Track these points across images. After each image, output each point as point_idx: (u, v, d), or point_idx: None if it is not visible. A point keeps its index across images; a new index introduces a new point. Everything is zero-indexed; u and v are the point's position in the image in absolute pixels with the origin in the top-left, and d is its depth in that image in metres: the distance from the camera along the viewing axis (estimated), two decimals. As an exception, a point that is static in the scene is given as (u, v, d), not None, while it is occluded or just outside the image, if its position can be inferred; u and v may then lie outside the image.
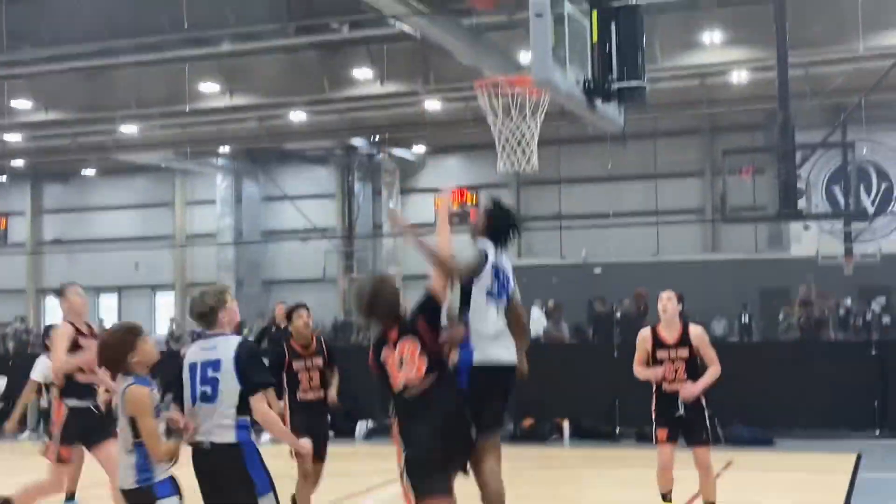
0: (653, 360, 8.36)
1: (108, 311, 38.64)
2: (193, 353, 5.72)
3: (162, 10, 21.07)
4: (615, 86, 7.57)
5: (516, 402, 14.27)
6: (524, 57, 21.04)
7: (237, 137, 29.99)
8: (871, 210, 26.12)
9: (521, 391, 14.94)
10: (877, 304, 24.43)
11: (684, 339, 8.28)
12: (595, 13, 7.35)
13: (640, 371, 8.43)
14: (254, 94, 25.86)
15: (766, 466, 12.12)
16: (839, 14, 20.22)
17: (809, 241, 25.32)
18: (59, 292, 8.56)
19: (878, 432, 13.60)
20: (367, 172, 36.10)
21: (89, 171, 37.99)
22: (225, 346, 5.61)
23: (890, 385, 13.66)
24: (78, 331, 8.26)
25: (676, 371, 8.23)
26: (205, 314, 5.75)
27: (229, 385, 5.52)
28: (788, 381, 13.96)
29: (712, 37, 21.82)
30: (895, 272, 26.00)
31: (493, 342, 6.02)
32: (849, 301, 24.89)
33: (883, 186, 28.55)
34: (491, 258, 6.11)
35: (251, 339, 18.23)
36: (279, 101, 26.28)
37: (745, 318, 24.56)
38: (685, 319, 8.64)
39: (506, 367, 6.10)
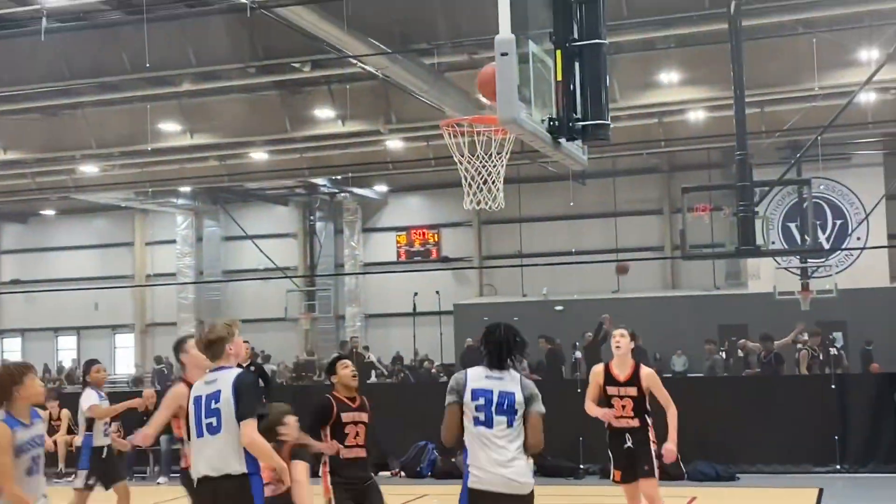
0: (603, 395, 8.46)
1: (67, 353, 38.25)
2: (198, 388, 5.84)
3: (123, 50, 21.05)
4: (579, 124, 7.55)
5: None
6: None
7: (198, 177, 29.85)
8: (826, 246, 26.48)
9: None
10: (834, 339, 24.67)
11: (634, 378, 8.42)
12: (559, 52, 7.42)
13: (591, 408, 8.52)
14: (215, 134, 25.80)
15: (730, 502, 12.16)
16: (794, 54, 20.58)
17: (767, 277, 25.60)
18: (178, 346, 7.56)
19: (839, 467, 13.66)
20: (328, 212, 36.10)
21: (49, 212, 37.71)
22: (225, 378, 5.73)
23: (850, 419, 13.76)
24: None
25: (624, 408, 8.35)
26: (213, 343, 5.84)
27: (230, 414, 5.64)
28: (750, 416, 14.03)
29: (670, 76, 22.11)
30: (851, 307, 26.36)
31: (483, 468, 5.90)
32: (806, 336, 25.12)
33: (838, 223, 29.00)
34: (470, 384, 5.94)
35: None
36: (240, 140, 26.26)
37: (722, 354, 24.68)
38: (637, 358, 8.79)
39: (493, 493, 5.90)
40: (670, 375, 25.90)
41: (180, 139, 25.79)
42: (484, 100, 20.86)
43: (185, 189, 33.39)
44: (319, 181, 32.55)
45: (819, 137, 19.08)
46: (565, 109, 7.50)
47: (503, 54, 6.80)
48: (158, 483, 14.90)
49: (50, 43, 18.63)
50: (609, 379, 8.43)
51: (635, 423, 8.33)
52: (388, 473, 14.65)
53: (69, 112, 25.34)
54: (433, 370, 27.05)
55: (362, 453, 7.92)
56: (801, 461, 13.81)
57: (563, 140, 7.65)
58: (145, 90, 23.15)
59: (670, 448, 8.22)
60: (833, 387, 14.04)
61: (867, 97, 22.04)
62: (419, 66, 19.42)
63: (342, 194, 34.59)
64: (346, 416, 7.82)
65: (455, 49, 19.96)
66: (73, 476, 15.40)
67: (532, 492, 5.97)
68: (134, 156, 27.01)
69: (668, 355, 28.27)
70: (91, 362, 10.50)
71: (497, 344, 6.07)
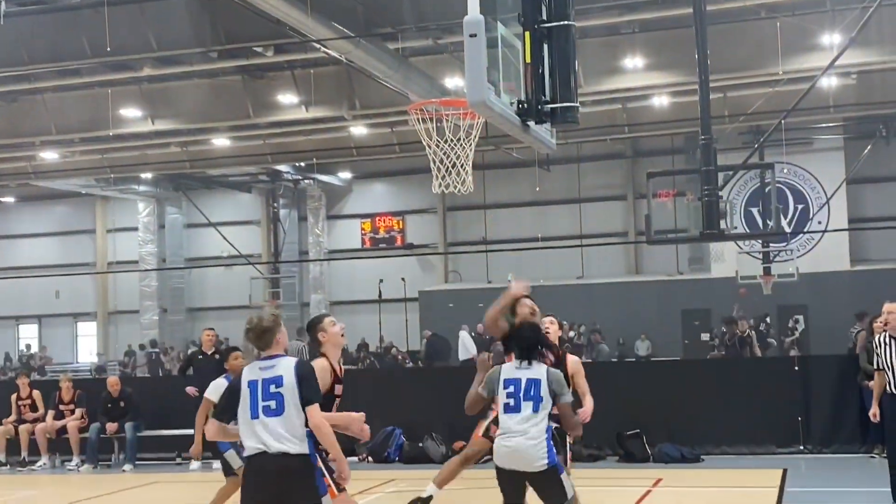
0: None
1: (29, 341, 37.82)
2: (252, 372, 6.05)
3: (83, 35, 20.79)
4: (548, 107, 7.52)
5: (447, 425, 14.28)
6: (450, 82, 21.18)
7: (159, 163, 29.60)
8: (788, 230, 26.69)
9: (452, 413, 14.82)
10: (795, 322, 24.96)
11: (560, 363, 8.37)
12: (528, 34, 7.38)
13: None
14: (176, 120, 25.55)
15: (696, 483, 12.13)
16: (759, 39, 20.67)
17: (729, 261, 25.78)
18: (314, 326, 7.15)
19: (802, 447, 13.70)
20: (292, 199, 35.93)
21: (8, 198, 37.27)
22: (285, 365, 6.02)
23: (813, 401, 13.82)
24: (332, 370, 7.03)
25: None
26: (263, 334, 6.09)
27: (294, 399, 5.94)
28: (715, 398, 14.06)
29: (634, 62, 22.12)
30: (812, 291, 26.59)
31: (502, 445, 6.53)
32: (768, 319, 25.37)
33: (799, 208, 29.25)
34: (503, 375, 6.63)
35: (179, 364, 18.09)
36: (202, 126, 26.03)
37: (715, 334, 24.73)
38: (564, 346, 8.75)
39: (507, 470, 6.53)
40: (634, 360, 26.08)
41: (141, 125, 25.50)
42: (448, 85, 20.79)
43: (147, 175, 33.10)
44: (283, 168, 32.37)
45: (782, 122, 19.13)
46: (534, 92, 7.50)
47: (472, 35, 6.76)
48: (123, 470, 14.76)
49: (9, 27, 18.36)
50: None
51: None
52: (355, 459, 14.61)
53: (28, 97, 25.00)
54: (399, 357, 27.03)
55: None
56: (766, 442, 13.79)
57: (531, 123, 7.68)
58: (106, 75, 22.88)
59: (586, 410, 8.00)
60: (796, 368, 14.09)
61: (829, 82, 22.21)
62: (383, 51, 19.32)
63: (306, 181, 34.43)
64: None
65: (419, 33, 19.89)
66: (81, 462, 15.17)
67: (548, 471, 6.52)
68: (95, 142, 26.71)
69: (631, 340, 28.45)
70: (232, 349, 10.40)
71: (524, 342, 6.70)
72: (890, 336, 9.34)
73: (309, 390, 6.01)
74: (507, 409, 6.53)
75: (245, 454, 5.98)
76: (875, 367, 9.60)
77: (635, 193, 31.79)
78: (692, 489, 11.74)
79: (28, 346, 35.78)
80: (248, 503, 5.94)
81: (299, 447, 5.90)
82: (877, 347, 9.48)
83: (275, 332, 6.10)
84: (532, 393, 6.54)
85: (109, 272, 36.74)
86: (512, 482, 6.54)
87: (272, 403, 5.92)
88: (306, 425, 5.97)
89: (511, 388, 6.55)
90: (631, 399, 13.82)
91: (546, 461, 6.49)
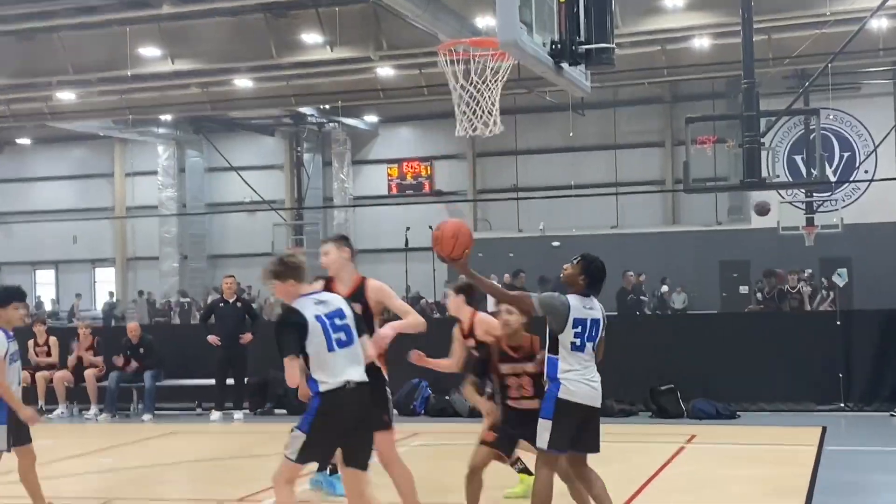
0: None
1: (46, 287, 37.75)
2: (312, 308, 6.22)
3: (100, -30, 20.34)
4: (583, 48, 7.48)
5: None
6: (481, 21, 20.56)
7: (179, 105, 29.25)
8: (833, 179, 26.16)
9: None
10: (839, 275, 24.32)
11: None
12: (563, -27, 7.21)
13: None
14: (197, 60, 25.14)
15: (731, 440, 11.86)
16: (805, -24, 20.09)
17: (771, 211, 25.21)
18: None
19: (843, 405, 13.28)
20: (316, 142, 35.58)
21: (24, 140, 37.15)
22: (337, 298, 6.41)
23: (854, 357, 13.34)
24: None
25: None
26: (304, 268, 6.33)
27: (355, 329, 6.29)
28: (752, 353, 13.66)
29: (674, 1, 21.68)
30: (856, 242, 26.04)
31: (575, 381, 6.63)
32: (810, 271, 24.82)
33: (845, 156, 28.68)
34: (573, 314, 6.65)
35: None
36: (224, 66, 25.55)
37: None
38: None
39: (581, 405, 6.66)
40: (669, 313, 25.57)
41: (161, 65, 25.13)
42: (479, 25, 20.08)
43: (167, 118, 32.81)
44: (307, 110, 31.97)
45: (828, 66, 18.57)
46: (568, 32, 7.53)
47: (503, -26, 6.64)
48: (142, 420, 14.57)
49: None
50: None
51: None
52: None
53: (45, 36, 24.61)
54: (427, 308, 26.78)
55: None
56: (804, 399, 13.43)
57: (565, 65, 7.64)
58: (124, 12, 22.50)
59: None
60: (838, 323, 13.60)
61: (879, 23, 21.51)
62: (411, -12, 18.67)
63: (331, 124, 34.05)
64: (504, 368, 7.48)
65: (449, -30, 19.20)
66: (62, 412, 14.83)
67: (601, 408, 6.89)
68: (113, 82, 26.32)
69: (668, 292, 28.02)
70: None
71: (599, 272, 6.77)
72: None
73: (361, 322, 6.42)
74: (574, 347, 6.69)
75: (321, 388, 6.10)
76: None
77: (673, 140, 31.20)
78: (727, 446, 11.52)
79: (38, 299, 35.72)
80: (329, 433, 6.07)
81: (364, 374, 6.25)
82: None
83: (302, 269, 6.38)
84: (592, 333, 6.76)
85: (128, 217, 36.61)
86: (578, 419, 6.68)
87: (342, 335, 6.23)
88: None
89: (579, 328, 6.70)
90: (665, 353, 13.63)
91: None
